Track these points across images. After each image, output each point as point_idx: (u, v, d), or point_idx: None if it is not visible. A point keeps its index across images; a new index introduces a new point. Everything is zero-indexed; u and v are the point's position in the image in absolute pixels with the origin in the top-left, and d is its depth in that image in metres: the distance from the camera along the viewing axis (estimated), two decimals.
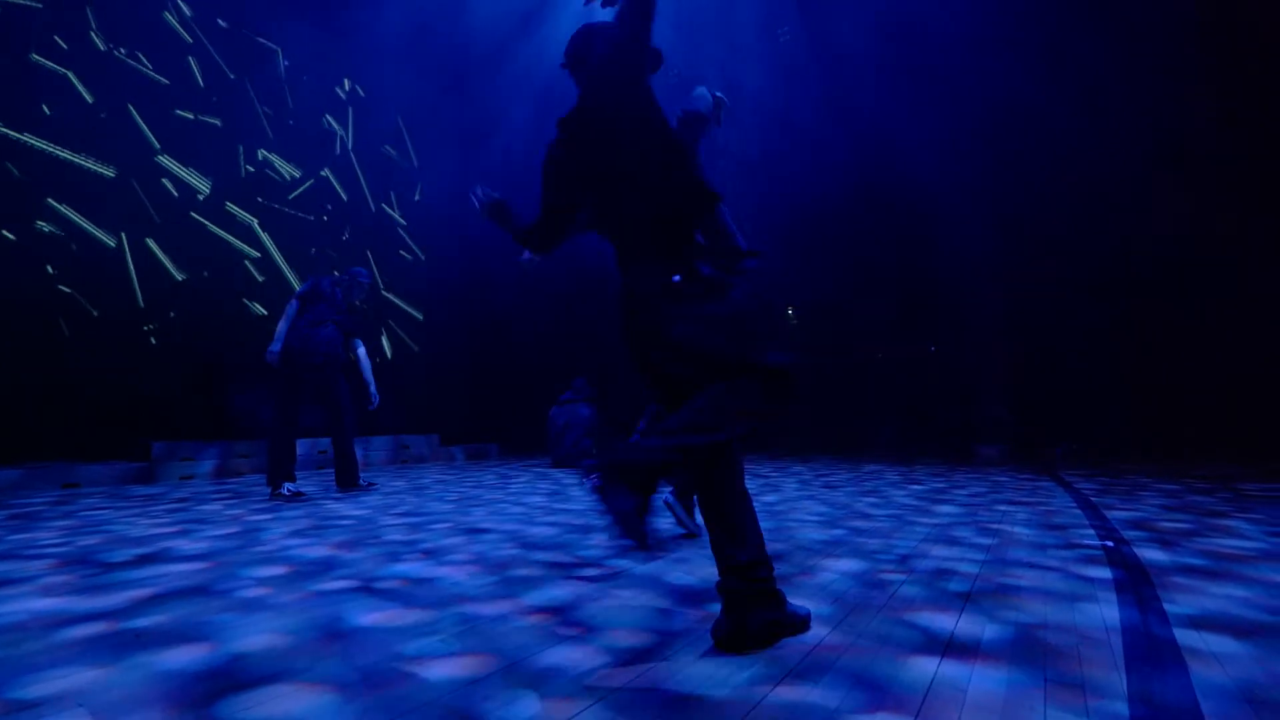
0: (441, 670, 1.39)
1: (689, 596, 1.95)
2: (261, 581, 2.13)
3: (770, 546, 2.66)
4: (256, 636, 1.60)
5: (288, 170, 7.68)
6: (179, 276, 6.51)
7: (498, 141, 9.86)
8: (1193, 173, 7.67)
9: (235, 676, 1.37)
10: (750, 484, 5.09)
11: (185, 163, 6.68)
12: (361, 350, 4.61)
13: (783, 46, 9.08)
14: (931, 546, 2.68)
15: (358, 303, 4.64)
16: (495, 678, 1.35)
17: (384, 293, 8.72)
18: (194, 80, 6.85)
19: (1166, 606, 1.85)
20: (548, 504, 4.02)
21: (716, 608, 1.84)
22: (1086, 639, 1.58)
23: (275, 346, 4.14)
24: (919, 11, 8.18)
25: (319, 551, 2.60)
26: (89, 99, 5.97)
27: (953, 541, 2.78)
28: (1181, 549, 2.65)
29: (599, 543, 2.80)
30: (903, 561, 2.41)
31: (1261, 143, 7.46)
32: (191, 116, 6.80)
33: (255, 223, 7.27)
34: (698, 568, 2.33)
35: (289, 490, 4.06)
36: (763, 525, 3.17)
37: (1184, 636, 1.60)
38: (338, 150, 8.32)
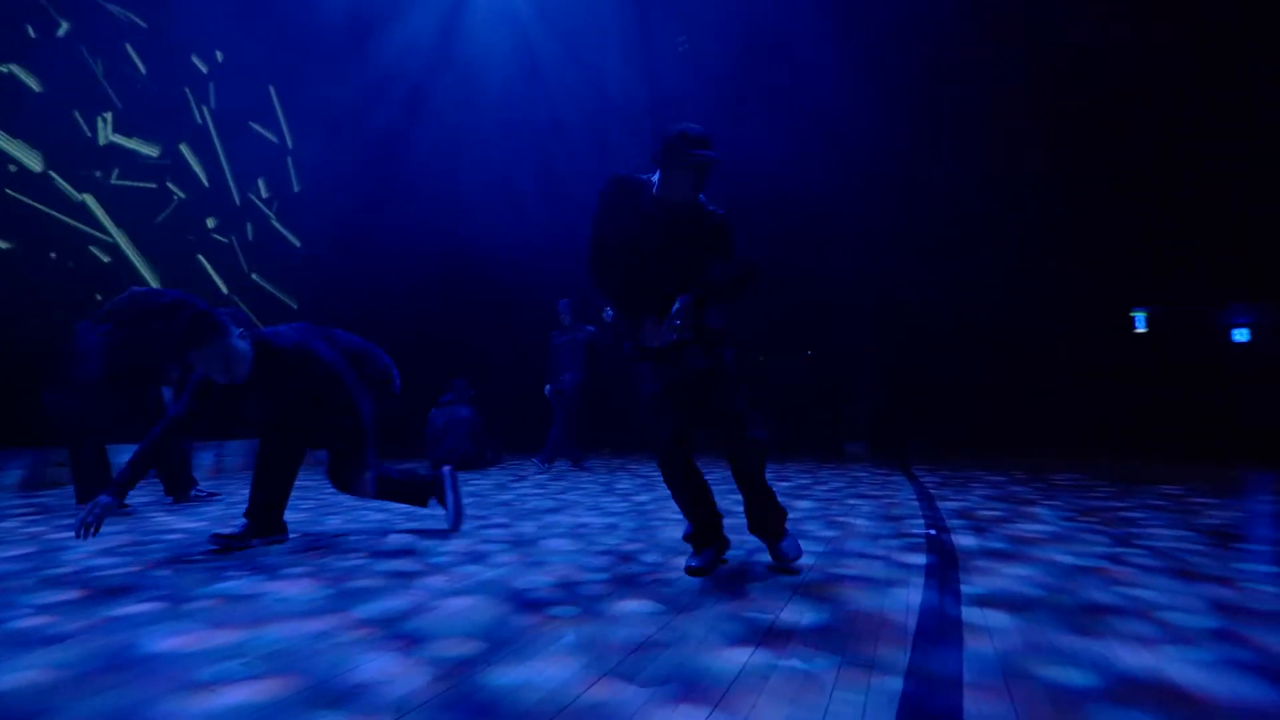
0: (235, 696, 1.28)
1: (533, 601, 1.94)
2: (44, 609, 1.87)
3: (628, 548, 2.71)
4: (20, 673, 1.41)
5: (133, 145, 6.85)
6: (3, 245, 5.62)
7: (380, 112, 9.32)
8: (1036, 192, 8.68)
9: None
10: (627, 484, 5.15)
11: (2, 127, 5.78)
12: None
13: (660, 57, 9.31)
14: None
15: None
16: (295, 700, 1.26)
17: (252, 275, 8.01)
18: (13, 29, 5.94)
19: (963, 588, 2.07)
20: (413, 509, 3.86)
21: (558, 611, 1.84)
22: (888, 622, 1.73)
23: (88, 330, 3.64)
24: (782, 35, 8.69)
25: (129, 571, 2.33)
26: None
27: (800, 535, 2.95)
28: (990, 534, 2.97)
29: (456, 548, 2.71)
30: (749, 554, 2.53)
31: (1097, 168, 8.56)
32: (5, 70, 5.90)
33: (90, 200, 6.42)
34: (553, 569, 2.32)
35: None
36: (629, 525, 3.22)
37: (969, 614, 1.79)
38: (198, 121, 7.53)
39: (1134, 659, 1.46)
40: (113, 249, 6.52)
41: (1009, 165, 8.59)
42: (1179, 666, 1.42)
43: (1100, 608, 1.85)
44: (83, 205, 6.31)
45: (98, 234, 6.42)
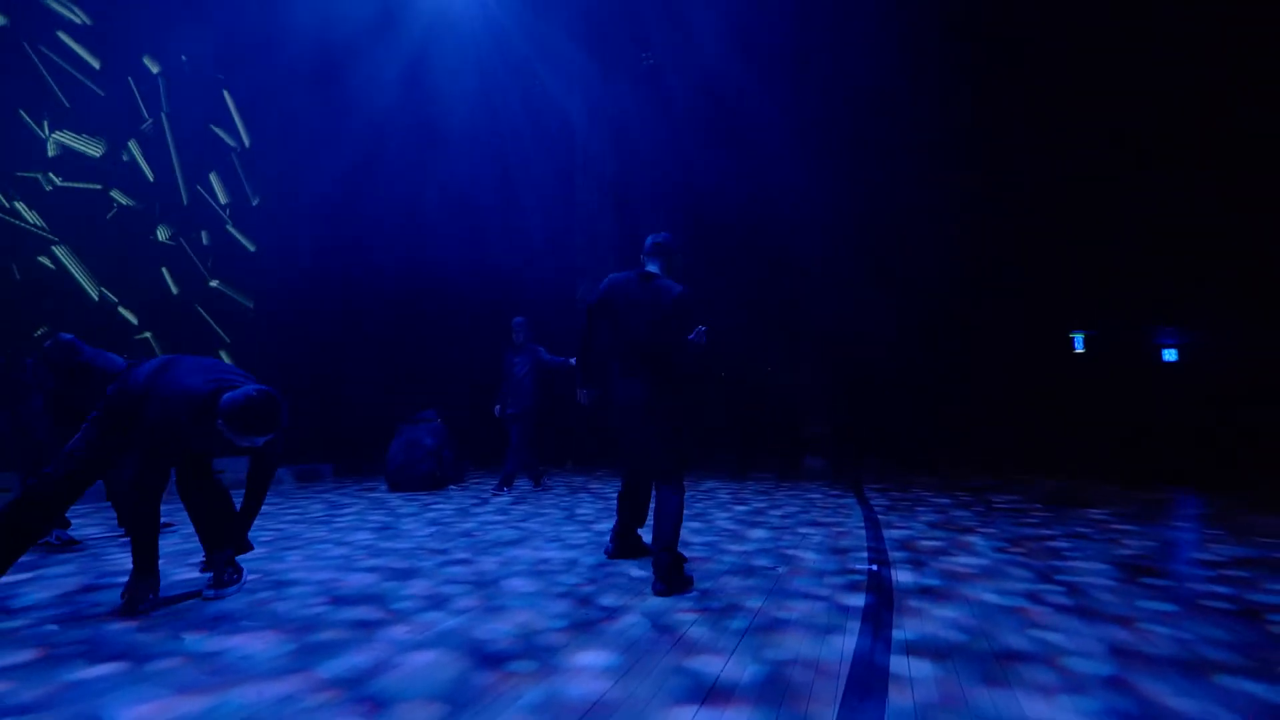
0: None
1: (493, 655, 2.03)
2: (1, 673, 1.88)
3: (586, 589, 2.81)
4: None
5: (80, 145, 6.64)
6: None
7: (345, 133, 9.22)
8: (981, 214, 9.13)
9: None
10: (588, 509, 5.25)
11: None
12: None
13: (620, 85, 9.49)
14: (731, 579, 2.98)
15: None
16: None
17: (209, 283, 7.83)
18: None
19: (895, 633, 2.24)
20: (374, 542, 3.88)
21: (517, 665, 1.94)
22: (822, 673, 1.88)
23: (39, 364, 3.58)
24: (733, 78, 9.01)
25: (85, 623, 2.33)
26: None
27: (750, 572, 3.11)
28: (927, 569, 3.18)
29: (418, 590, 2.78)
30: (701, 598, 2.66)
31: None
32: None
33: (21, 204, 6.20)
34: (512, 616, 2.41)
35: (58, 538, 3.54)
36: (588, 561, 3.32)
37: (896, 664, 1.96)
38: (148, 124, 7.32)
39: (1033, 710, 1.64)
40: (57, 259, 6.32)
41: (960, 198, 9.01)
42: (1070, 717, 1.60)
43: (1013, 654, 2.04)
44: (28, 210, 6.10)
45: (49, 237, 6.22)
